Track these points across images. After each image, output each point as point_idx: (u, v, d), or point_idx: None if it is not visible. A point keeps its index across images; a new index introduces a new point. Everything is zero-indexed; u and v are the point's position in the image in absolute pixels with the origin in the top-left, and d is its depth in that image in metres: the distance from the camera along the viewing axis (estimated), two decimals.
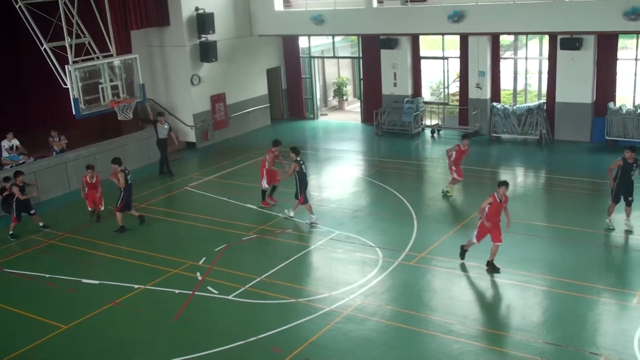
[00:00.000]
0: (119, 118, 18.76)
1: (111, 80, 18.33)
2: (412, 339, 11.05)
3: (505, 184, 12.88)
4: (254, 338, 11.06)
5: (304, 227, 16.07)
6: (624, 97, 23.54)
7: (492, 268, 13.05)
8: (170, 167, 21.36)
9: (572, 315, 11.51)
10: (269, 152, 17.46)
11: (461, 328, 11.14)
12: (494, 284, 12.75)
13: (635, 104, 22.50)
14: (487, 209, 12.82)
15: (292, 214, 16.56)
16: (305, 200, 16.11)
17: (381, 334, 11.27)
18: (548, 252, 14.19)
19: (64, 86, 17.64)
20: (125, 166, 16.71)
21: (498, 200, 12.77)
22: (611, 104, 22.18)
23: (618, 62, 22.46)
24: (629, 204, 14.83)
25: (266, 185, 17.52)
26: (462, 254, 13.58)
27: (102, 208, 17.22)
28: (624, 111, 21.82)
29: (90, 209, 17.15)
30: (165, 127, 20.90)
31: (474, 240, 13.21)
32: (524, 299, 12.25)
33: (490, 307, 11.97)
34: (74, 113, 17.74)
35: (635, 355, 10.05)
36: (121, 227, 16.29)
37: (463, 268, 13.41)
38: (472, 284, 12.90)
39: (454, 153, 17.47)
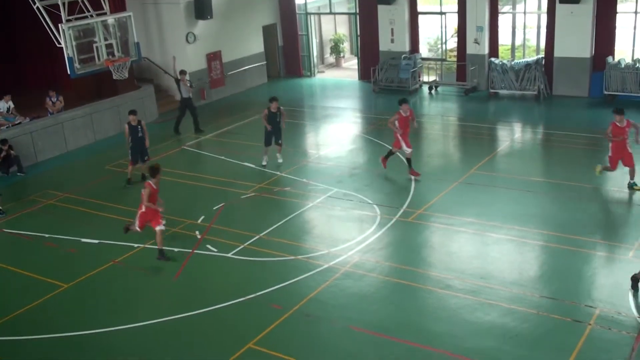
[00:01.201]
0: (115, 77, 18.65)
1: (105, 39, 18.15)
2: (410, 294, 11.18)
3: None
4: (253, 295, 11.19)
5: (302, 186, 16.10)
6: (623, 51, 23.37)
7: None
8: (199, 124, 21.23)
9: (568, 269, 11.62)
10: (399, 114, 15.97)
11: (459, 283, 11.26)
12: (492, 240, 12.84)
13: (634, 58, 22.35)
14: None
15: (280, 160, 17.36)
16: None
17: (379, 290, 11.40)
18: (545, 208, 14.27)
19: (58, 45, 17.46)
20: (139, 118, 16.55)
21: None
22: (610, 58, 22.02)
23: (617, 15, 22.24)
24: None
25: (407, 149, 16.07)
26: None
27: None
28: (622, 65, 21.68)
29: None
30: (189, 85, 20.65)
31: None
32: (521, 254, 12.37)
33: (488, 262, 12.06)
34: (68, 72, 17.61)
35: (630, 308, 10.18)
36: (128, 180, 16.56)
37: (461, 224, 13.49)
38: (469, 240, 12.99)
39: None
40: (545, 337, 9.72)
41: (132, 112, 16.29)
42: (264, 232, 13.53)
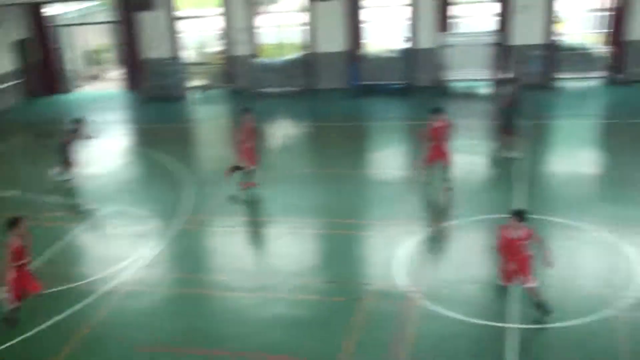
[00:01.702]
0: None
1: None
2: (196, 302, 11.10)
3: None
4: (21, 338, 10.27)
5: (72, 208, 15.24)
6: (373, 43, 25.21)
7: None
8: None
9: (342, 252, 12.32)
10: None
11: (243, 283, 11.41)
12: (270, 235, 13.20)
13: (382, 48, 24.24)
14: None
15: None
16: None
17: (167, 304, 11.18)
18: (317, 197, 14.95)
19: None
20: None
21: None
22: (361, 50, 23.64)
23: (363, 10, 23.90)
24: None
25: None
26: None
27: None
28: (372, 56, 23.40)
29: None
30: None
31: None
32: (299, 244, 12.85)
33: (269, 258, 12.38)
34: None
35: (398, 278, 11.06)
36: None
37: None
38: (249, 239, 13.25)
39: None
40: (328, 320, 10.22)
41: None
42: (32, 265, 12.57)
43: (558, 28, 23.18)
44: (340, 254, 12.30)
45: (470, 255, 11.77)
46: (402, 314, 10.08)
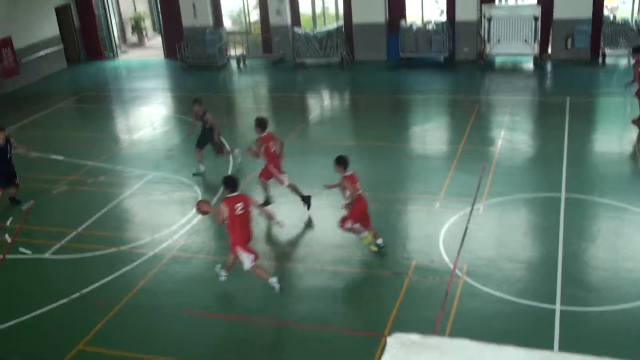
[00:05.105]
0: None
1: None
2: (237, 270, 11.23)
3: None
4: (77, 294, 10.65)
5: (117, 174, 15.51)
6: (413, 15, 24.93)
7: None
8: None
9: (384, 226, 12.27)
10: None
11: (285, 253, 11.59)
12: (313, 207, 13.24)
13: (424, 20, 23.93)
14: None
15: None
16: None
17: (208, 271, 11.36)
18: (358, 169, 14.70)
19: None
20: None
21: None
22: (402, 22, 23.40)
23: None
24: None
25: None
26: None
27: None
28: (414, 28, 23.13)
29: None
30: None
31: None
32: (340, 217, 12.90)
33: (311, 230, 12.45)
34: None
35: (441, 255, 11.07)
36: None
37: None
38: (290, 210, 13.32)
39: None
40: (369, 293, 10.33)
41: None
42: (82, 227, 12.90)
43: (608, 2, 22.63)
44: (382, 228, 12.27)
45: (512, 235, 11.72)
46: (444, 290, 10.11)
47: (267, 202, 13.05)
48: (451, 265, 10.73)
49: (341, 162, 11.00)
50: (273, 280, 10.10)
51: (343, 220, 11.20)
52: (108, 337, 9.63)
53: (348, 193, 11.09)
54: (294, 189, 12.97)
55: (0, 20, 23.09)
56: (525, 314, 9.52)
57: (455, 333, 9.14)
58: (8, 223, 13.35)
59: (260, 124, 12.75)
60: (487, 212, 12.45)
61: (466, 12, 22.67)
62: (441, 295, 9.97)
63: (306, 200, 12.92)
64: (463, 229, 11.79)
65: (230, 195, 10.01)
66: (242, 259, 10.09)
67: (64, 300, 10.52)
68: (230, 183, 10.14)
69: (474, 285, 10.16)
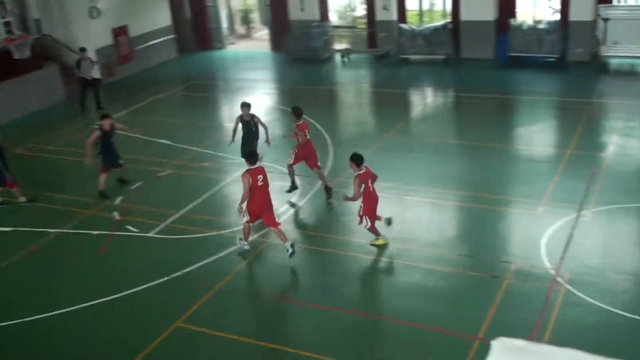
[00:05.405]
0: (15, 57, 17.81)
1: (2, 17, 17.26)
2: (334, 261, 11.32)
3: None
4: (178, 273, 11.05)
5: (220, 160, 15.93)
6: (524, 13, 24.17)
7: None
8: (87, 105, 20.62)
9: (484, 227, 12.07)
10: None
11: (381, 248, 11.47)
12: (410, 203, 13.14)
13: (535, 19, 23.16)
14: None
15: None
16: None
17: (304, 259, 11.49)
18: (459, 169, 14.71)
19: None
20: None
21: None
22: (513, 21, 22.73)
23: None
24: None
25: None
26: None
27: None
28: (525, 27, 22.43)
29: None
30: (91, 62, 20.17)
31: None
32: (438, 215, 12.74)
33: (407, 226, 12.34)
34: None
35: (542, 260, 10.69)
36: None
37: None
38: (388, 205, 13.23)
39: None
40: (465, 294, 10.10)
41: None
42: (185, 209, 13.35)
43: None
44: (481, 229, 12.06)
45: (620, 244, 11.16)
46: (544, 297, 9.76)
47: (293, 186, 13.69)
48: (552, 272, 10.34)
49: (354, 159, 11.12)
50: (243, 243, 11.37)
51: (360, 218, 11.36)
52: (204, 317, 9.92)
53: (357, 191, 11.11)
54: (293, 174, 13.64)
55: (118, 10, 24.20)
56: (631, 328, 9.04)
57: (554, 342, 8.79)
58: (117, 202, 13.99)
59: (296, 112, 13.21)
60: (594, 219, 11.91)
61: (581, 11, 21.74)
62: (540, 302, 9.63)
63: (293, 188, 13.63)
64: (567, 236, 11.34)
65: (250, 167, 10.94)
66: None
67: (165, 278, 10.93)
68: (250, 155, 11.24)
69: (576, 293, 9.75)
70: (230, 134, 14.61)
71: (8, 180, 13.87)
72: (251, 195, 10.87)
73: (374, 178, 11.26)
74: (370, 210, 11.24)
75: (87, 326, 10.00)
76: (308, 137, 13.37)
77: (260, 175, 10.96)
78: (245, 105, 14.29)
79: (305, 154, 13.40)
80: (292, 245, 11.07)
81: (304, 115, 13.40)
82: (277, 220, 11.49)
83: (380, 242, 11.41)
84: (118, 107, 20.66)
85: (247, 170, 10.92)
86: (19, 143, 16.19)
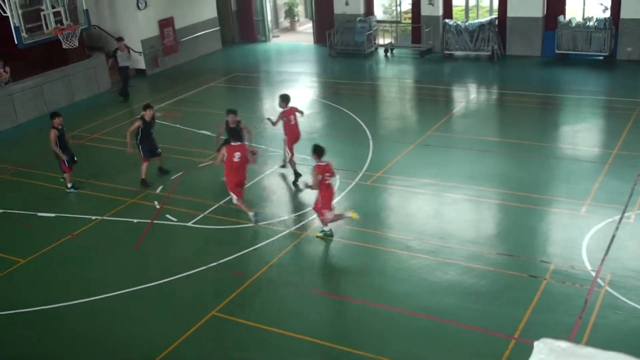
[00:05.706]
0: (64, 46, 18.17)
1: (53, 7, 17.61)
2: (370, 256, 11.30)
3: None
4: (214, 263, 11.17)
5: (261, 152, 16.00)
6: (573, 10, 23.65)
7: None
8: (127, 94, 20.97)
9: (523, 226, 11.90)
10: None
11: (418, 244, 11.42)
12: (449, 200, 13.03)
13: (585, 16, 22.64)
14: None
15: None
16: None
17: (340, 253, 11.51)
18: (500, 167, 14.51)
19: (3, 14, 16.87)
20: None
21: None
22: (561, 18, 22.28)
23: None
24: None
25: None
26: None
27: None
28: (573, 24, 21.96)
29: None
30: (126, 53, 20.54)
31: None
32: (477, 213, 12.60)
33: (446, 222, 12.25)
34: (16, 42, 17.09)
35: (583, 261, 10.49)
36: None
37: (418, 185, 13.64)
38: (427, 201, 13.17)
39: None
40: (502, 293, 9.96)
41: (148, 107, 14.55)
42: (224, 200, 13.46)
43: None
44: (521, 228, 11.88)
45: None
46: (583, 299, 9.56)
47: (297, 174, 14.06)
48: (593, 273, 10.13)
49: (316, 151, 11.65)
50: (250, 214, 12.20)
51: (321, 214, 11.66)
52: (240, 307, 10.01)
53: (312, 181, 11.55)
54: (293, 164, 14.13)
55: (164, 2, 24.49)
56: None
57: (593, 345, 8.59)
58: (158, 191, 14.20)
59: (284, 98, 14.29)
60: (638, 222, 11.62)
61: (633, 9, 21.18)
62: (579, 304, 9.45)
63: (297, 176, 14.02)
64: (610, 237, 11.08)
65: (233, 143, 12.28)
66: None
67: (202, 268, 11.06)
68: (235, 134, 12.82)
69: (617, 296, 9.54)
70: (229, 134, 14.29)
71: (64, 165, 14.20)
72: (228, 170, 12.23)
73: (332, 173, 11.69)
74: (325, 202, 11.54)
75: (126, 311, 10.19)
76: (293, 123, 14.17)
77: (238, 152, 12.11)
78: (232, 112, 14.03)
79: (292, 140, 14.17)
80: (256, 215, 12.26)
81: (300, 111, 14.58)
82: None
83: (321, 235, 11.77)
84: (162, 97, 20.94)
85: (228, 146, 12.29)
86: (68, 131, 16.54)
